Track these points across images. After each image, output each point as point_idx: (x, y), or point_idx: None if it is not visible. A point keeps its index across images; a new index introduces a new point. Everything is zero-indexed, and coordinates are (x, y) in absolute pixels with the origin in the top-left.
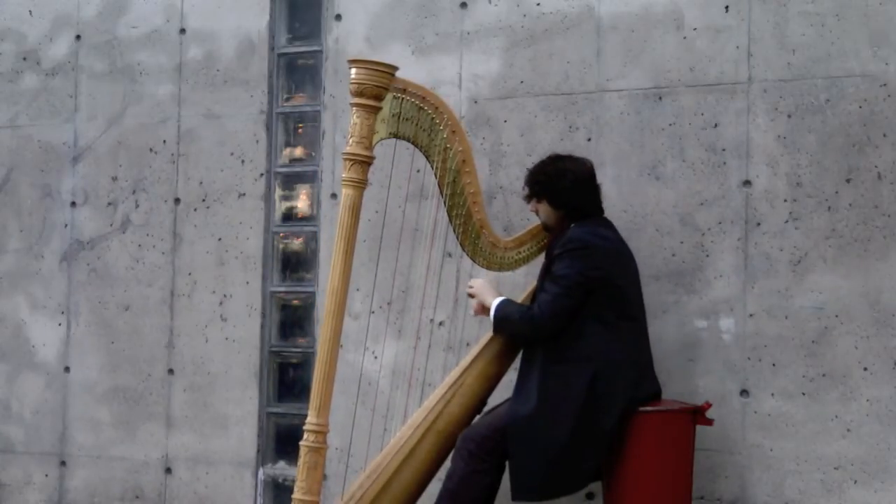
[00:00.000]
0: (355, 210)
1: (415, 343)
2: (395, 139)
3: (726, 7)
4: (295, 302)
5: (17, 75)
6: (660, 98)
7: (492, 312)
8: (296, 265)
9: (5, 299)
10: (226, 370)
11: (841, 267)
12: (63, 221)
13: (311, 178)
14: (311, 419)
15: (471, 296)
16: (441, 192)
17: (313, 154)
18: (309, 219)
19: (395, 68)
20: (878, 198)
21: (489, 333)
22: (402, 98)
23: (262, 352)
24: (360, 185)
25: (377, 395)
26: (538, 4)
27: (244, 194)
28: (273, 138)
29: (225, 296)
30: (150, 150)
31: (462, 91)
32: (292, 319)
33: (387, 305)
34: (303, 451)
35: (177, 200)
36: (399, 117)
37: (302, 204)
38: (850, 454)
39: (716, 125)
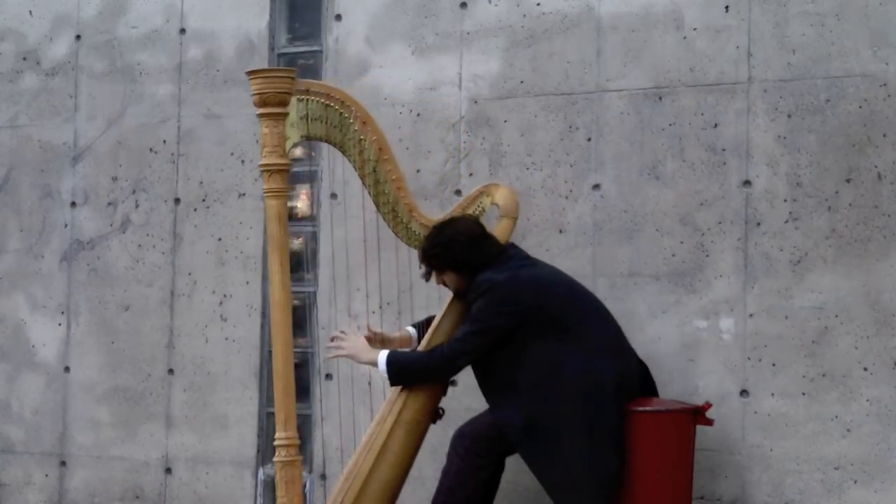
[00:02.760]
0: (282, 219)
1: (417, 344)
2: (308, 141)
3: (726, 7)
4: (294, 302)
5: (17, 75)
6: (660, 98)
7: (381, 368)
8: (296, 265)
9: (5, 299)
10: (226, 370)
11: (841, 267)
12: (63, 221)
13: (310, 178)
14: (279, 434)
15: (337, 357)
16: (364, 184)
17: (313, 154)
18: (309, 219)
19: (294, 71)
20: (878, 198)
21: (438, 315)
22: (307, 99)
23: (262, 352)
24: (282, 193)
25: (379, 397)
26: (538, 4)
27: (244, 194)
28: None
29: (225, 296)
30: (150, 150)
31: (462, 91)
32: (292, 319)
33: (388, 306)
34: (278, 468)
35: (177, 200)
36: (307, 119)
37: (302, 204)
38: (851, 454)
39: (716, 125)
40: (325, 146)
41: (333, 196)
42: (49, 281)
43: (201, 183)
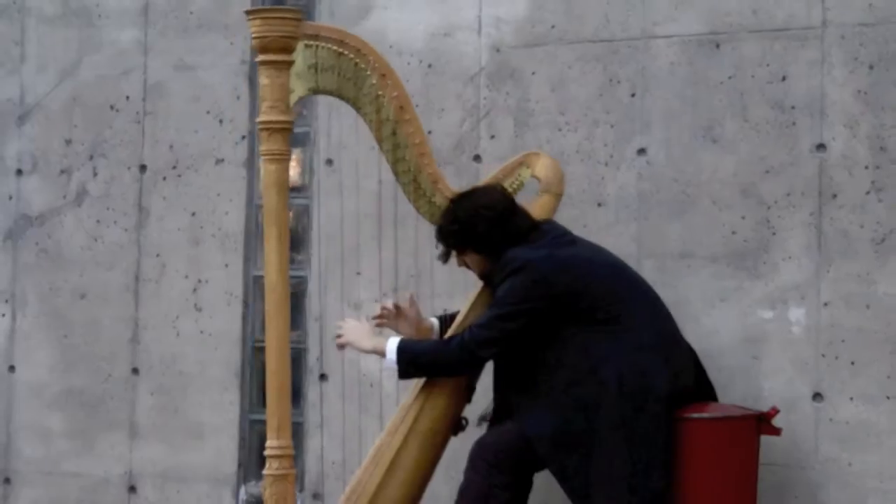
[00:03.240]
0: (282, 187)
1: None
2: (315, 95)
3: None
4: None
5: None
6: (717, 46)
7: (389, 357)
8: None
9: None
10: (201, 370)
11: None
12: (7, 193)
13: (302, 140)
14: (271, 442)
15: (341, 346)
16: (381, 148)
17: (305, 112)
18: (300, 189)
19: (301, 12)
20: None
21: (463, 309)
22: (316, 45)
23: (244, 348)
24: (284, 157)
25: (383, 400)
26: None
27: (222, 160)
28: (257, 94)
29: (199, 281)
30: (111, 107)
31: (482, 38)
32: None
33: (394, 292)
34: (267, 482)
35: (142, 168)
36: (316, 68)
37: (292, 172)
38: None
39: (784, 78)
40: (320, 101)
41: (329, 163)
42: None
43: (171, 147)
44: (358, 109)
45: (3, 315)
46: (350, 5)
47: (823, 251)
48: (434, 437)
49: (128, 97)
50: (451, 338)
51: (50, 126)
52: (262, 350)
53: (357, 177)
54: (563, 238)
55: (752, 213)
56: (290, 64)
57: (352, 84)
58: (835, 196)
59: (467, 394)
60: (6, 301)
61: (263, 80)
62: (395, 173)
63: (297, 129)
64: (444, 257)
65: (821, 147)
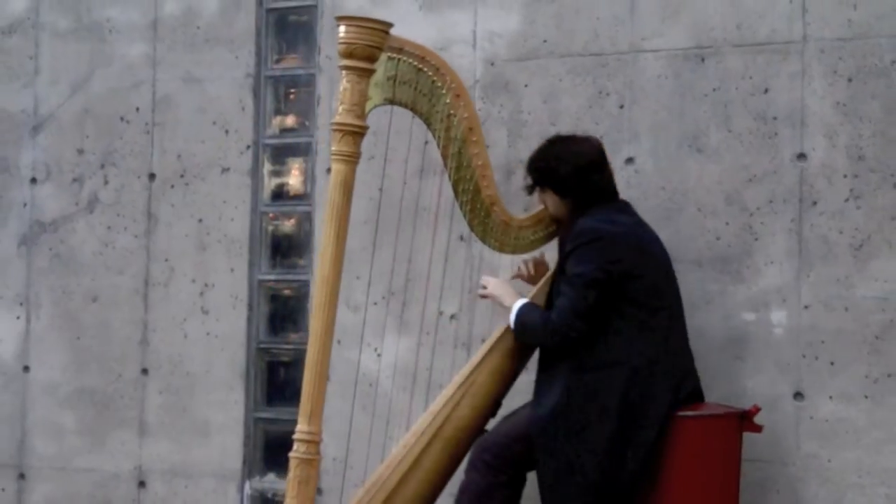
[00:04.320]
0: (347, 187)
1: (424, 339)
2: (390, 106)
3: None
4: (286, 292)
5: None
6: (702, 59)
7: (511, 318)
8: (287, 250)
9: None
10: (207, 370)
11: None
12: (22, 200)
13: (304, 150)
14: (301, 427)
15: (483, 297)
16: (445, 165)
17: (307, 123)
18: (302, 197)
19: (390, 25)
20: None
21: (504, 324)
22: (399, 59)
23: (249, 349)
24: (352, 159)
25: (379, 399)
26: None
27: (228, 169)
28: (261, 105)
29: (206, 285)
30: (121, 118)
31: (477, 51)
32: (283, 312)
33: (390, 296)
34: (293, 464)
35: (151, 176)
36: (395, 80)
37: (294, 180)
38: None
39: (766, 90)
40: (321, 113)
41: (330, 171)
42: (5, 268)
43: (179, 156)
44: (429, 125)
45: (18, 317)
46: None
47: (804, 256)
48: (457, 445)
49: (137, 109)
50: (548, 315)
51: (63, 136)
52: (265, 351)
53: (357, 184)
54: (638, 221)
55: (735, 220)
56: (371, 72)
57: (426, 100)
58: (815, 203)
59: (493, 408)
60: (21, 304)
61: (344, 83)
62: (455, 191)
63: (299, 140)
64: (529, 190)
65: (801, 156)
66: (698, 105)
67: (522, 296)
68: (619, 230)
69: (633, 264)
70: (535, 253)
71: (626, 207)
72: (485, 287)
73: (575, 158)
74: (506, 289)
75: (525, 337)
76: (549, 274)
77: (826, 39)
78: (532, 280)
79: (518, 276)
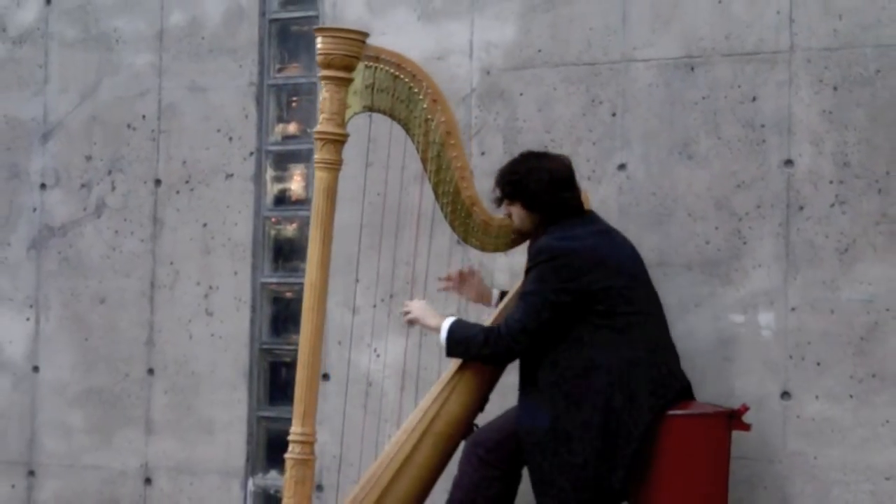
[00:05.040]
0: (330, 193)
1: (422, 340)
2: (369, 113)
3: None
4: (288, 294)
5: None
6: (692, 69)
7: (442, 335)
8: (289, 253)
9: None
10: (211, 370)
11: (892, 255)
12: (31, 205)
13: (305, 156)
14: (295, 428)
15: (410, 322)
16: (425, 169)
17: (308, 130)
18: (303, 202)
19: (366, 35)
20: None
21: (511, 291)
22: (376, 67)
23: (252, 349)
24: (335, 166)
25: (380, 398)
26: None
27: (232, 175)
28: (264, 113)
29: (210, 287)
30: (128, 126)
31: (473, 61)
32: (285, 314)
33: (390, 298)
34: (289, 465)
35: (157, 182)
36: (373, 88)
37: (296, 186)
38: None
39: (754, 99)
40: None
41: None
42: (16, 271)
43: (184, 162)
44: (407, 130)
45: (28, 319)
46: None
47: (791, 260)
48: (447, 440)
49: (144, 116)
50: (492, 327)
51: (71, 143)
52: (268, 352)
53: (355, 191)
54: (602, 230)
55: (724, 225)
56: (349, 81)
57: (404, 106)
58: (801, 208)
59: (481, 403)
60: (31, 306)
61: (324, 93)
62: (435, 193)
63: (301, 146)
64: (498, 202)
65: (788, 163)
66: (688, 113)
67: (448, 315)
68: (576, 246)
69: (593, 279)
70: (474, 264)
71: (590, 219)
72: (408, 312)
73: (546, 174)
74: (429, 310)
75: (459, 352)
76: (515, 288)
77: (812, 49)
78: (459, 290)
79: (446, 285)
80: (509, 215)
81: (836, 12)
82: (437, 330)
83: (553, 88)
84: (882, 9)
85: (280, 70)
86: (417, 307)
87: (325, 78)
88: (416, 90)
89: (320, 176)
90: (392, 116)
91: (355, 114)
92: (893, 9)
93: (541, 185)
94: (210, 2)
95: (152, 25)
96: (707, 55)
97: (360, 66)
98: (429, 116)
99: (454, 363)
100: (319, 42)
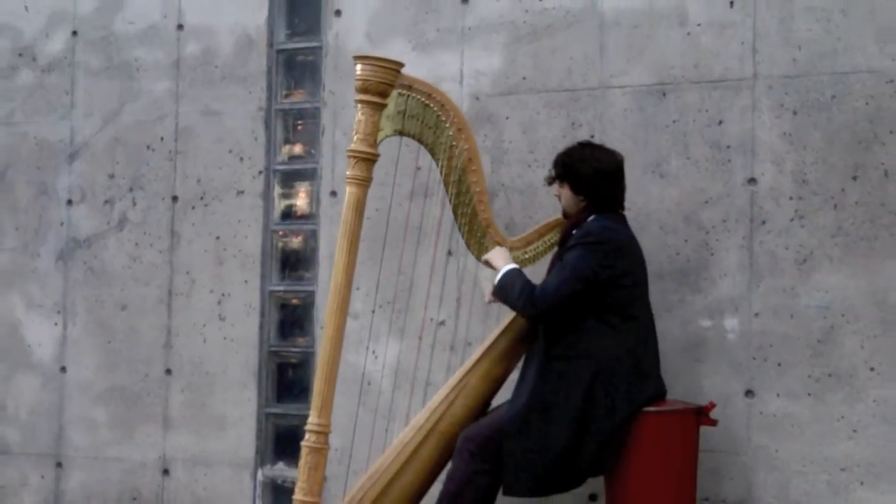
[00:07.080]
0: (359, 208)
1: (416, 343)
2: (399, 136)
3: (731, 2)
4: (294, 301)
5: (12, 71)
6: (664, 94)
7: (497, 276)
8: (295, 264)
9: (0, 298)
10: (224, 370)
11: (847, 266)
12: (59, 219)
13: (310, 175)
14: (312, 419)
15: (486, 262)
16: (447, 191)
17: (313, 151)
18: (308, 217)
19: (401, 65)
20: (885, 196)
21: (494, 333)
22: (408, 95)
23: (261, 352)
24: (365, 182)
25: (378, 396)
26: (540, 0)
27: (243, 192)
28: (272, 135)
29: (223, 295)
30: (148, 147)
31: (463, 87)
32: (291, 319)
33: (388, 305)
34: (304, 452)
35: (174, 198)
36: (404, 115)
37: (301, 202)
38: (857, 455)
39: (720, 122)
40: (325, 142)
41: (333, 194)
42: (45, 280)
43: (199, 181)
44: (433, 154)
45: (56, 324)
46: (351, 60)
47: (754, 269)
48: (450, 439)
49: (162, 138)
50: (533, 284)
51: (96, 163)
52: (275, 354)
53: None
54: (631, 234)
55: (693, 237)
56: (383, 106)
57: (432, 132)
58: (764, 222)
59: (483, 408)
60: (58, 312)
61: (359, 116)
62: (455, 214)
63: (306, 166)
64: (549, 181)
65: (752, 181)
66: (660, 135)
67: (513, 265)
68: (617, 238)
69: (623, 272)
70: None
71: (624, 220)
72: (489, 254)
73: (597, 163)
74: (502, 255)
75: (502, 295)
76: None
77: (774, 77)
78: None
79: (491, 299)
80: (559, 195)
81: (796, 43)
82: (498, 271)
83: (536, 113)
84: (838, 39)
85: (286, 96)
86: (496, 250)
87: (361, 101)
88: (443, 118)
89: (351, 191)
90: (420, 141)
91: (387, 136)
92: (848, 40)
93: (588, 173)
94: (222, 33)
95: (170, 55)
96: (677, 82)
97: (394, 93)
98: (453, 143)
99: (462, 367)
100: (358, 69)
